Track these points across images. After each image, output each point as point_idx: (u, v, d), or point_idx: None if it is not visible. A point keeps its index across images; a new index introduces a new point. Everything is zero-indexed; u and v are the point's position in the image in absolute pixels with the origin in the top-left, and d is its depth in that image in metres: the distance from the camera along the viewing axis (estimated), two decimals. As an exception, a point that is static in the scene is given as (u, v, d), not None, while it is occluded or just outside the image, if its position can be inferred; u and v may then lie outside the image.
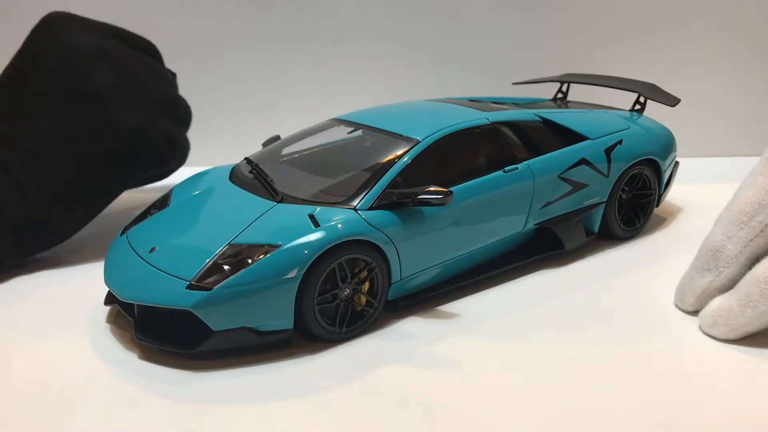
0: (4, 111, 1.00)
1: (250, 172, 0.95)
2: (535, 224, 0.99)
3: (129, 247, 0.85)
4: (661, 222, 1.17)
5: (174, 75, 1.17)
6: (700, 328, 0.84)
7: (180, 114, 1.12)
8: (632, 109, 1.19)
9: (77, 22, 1.04)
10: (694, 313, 0.87)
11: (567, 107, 1.18)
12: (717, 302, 0.82)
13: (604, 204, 1.05)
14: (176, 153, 1.10)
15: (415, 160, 0.89)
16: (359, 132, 1.01)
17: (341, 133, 1.03)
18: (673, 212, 1.21)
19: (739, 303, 0.79)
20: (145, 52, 1.10)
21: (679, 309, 0.89)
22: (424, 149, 0.90)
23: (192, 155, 1.19)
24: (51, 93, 1.00)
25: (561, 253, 1.01)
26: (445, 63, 1.52)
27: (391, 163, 0.88)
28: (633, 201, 1.10)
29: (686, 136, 1.26)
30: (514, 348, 0.81)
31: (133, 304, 0.79)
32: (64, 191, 1.00)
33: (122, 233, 0.91)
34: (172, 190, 0.98)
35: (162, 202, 0.94)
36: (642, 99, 1.19)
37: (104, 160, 1.01)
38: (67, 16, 1.04)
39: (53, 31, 1.02)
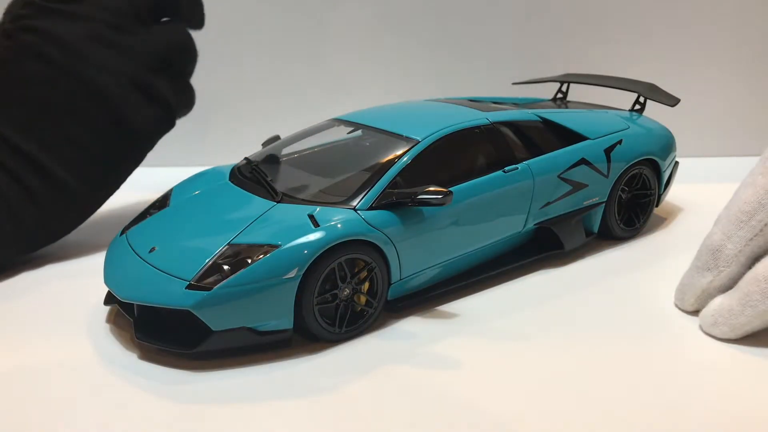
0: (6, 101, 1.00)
1: (250, 172, 0.95)
2: (535, 224, 0.99)
3: (129, 247, 0.85)
4: (661, 222, 1.17)
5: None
6: (701, 328, 0.84)
7: (173, 65, 1.09)
8: (632, 109, 1.19)
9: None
10: (695, 312, 0.87)
11: (567, 107, 1.18)
12: (717, 302, 0.82)
13: (603, 204, 1.05)
14: (173, 108, 1.09)
15: (415, 160, 0.89)
16: (359, 132, 1.01)
17: (341, 133, 1.03)
18: (673, 212, 1.21)
19: (739, 302, 0.79)
20: None
21: (680, 309, 0.89)
22: (424, 149, 0.90)
23: (192, 155, 1.19)
24: (29, 73, 1.00)
25: (561, 253, 1.01)
26: (445, 63, 1.52)
27: (391, 163, 0.88)
28: (633, 201, 1.10)
29: (686, 136, 1.26)
30: (514, 348, 0.81)
31: (133, 304, 0.79)
32: (80, 166, 1.01)
33: (122, 233, 0.91)
34: (171, 190, 0.98)
35: (162, 202, 0.94)
36: (642, 99, 1.19)
37: (103, 128, 1.02)
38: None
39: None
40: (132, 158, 1.08)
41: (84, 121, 1.01)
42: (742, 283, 0.80)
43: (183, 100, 1.12)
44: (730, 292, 0.81)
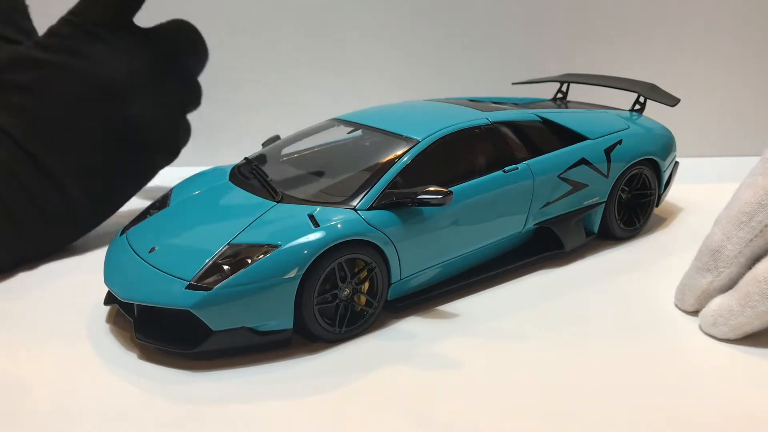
0: (41, 115, 1.03)
1: (250, 172, 0.95)
2: (535, 224, 0.99)
3: (129, 247, 0.85)
4: (661, 222, 1.17)
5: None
6: (701, 328, 0.84)
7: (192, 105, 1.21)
8: (632, 109, 1.19)
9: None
10: (694, 313, 0.87)
11: (567, 107, 1.18)
12: (717, 302, 0.82)
13: (603, 204, 1.05)
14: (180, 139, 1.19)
15: (415, 160, 0.89)
16: (359, 132, 1.01)
17: (341, 133, 1.03)
18: (673, 212, 1.21)
19: (739, 303, 0.79)
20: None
21: (679, 309, 0.89)
22: (424, 149, 0.90)
23: (192, 155, 1.19)
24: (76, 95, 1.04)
25: (561, 253, 1.01)
26: (446, 63, 1.52)
27: (391, 163, 0.88)
28: (633, 201, 1.10)
29: (686, 136, 1.26)
30: (514, 348, 0.81)
31: (133, 304, 0.79)
32: (95, 181, 1.06)
33: (122, 233, 0.90)
34: (171, 190, 0.98)
35: (162, 202, 0.94)
36: (642, 99, 1.19)
37: (123, 150, 1.08)
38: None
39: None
40: (135, 184, 1.13)
41: (107, 147, 1.06)
42: (742, 284, 0.80)
43: (185, 137, 1.22)
44: (729, 292, 0.81)
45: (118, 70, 1.06)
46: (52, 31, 1.06)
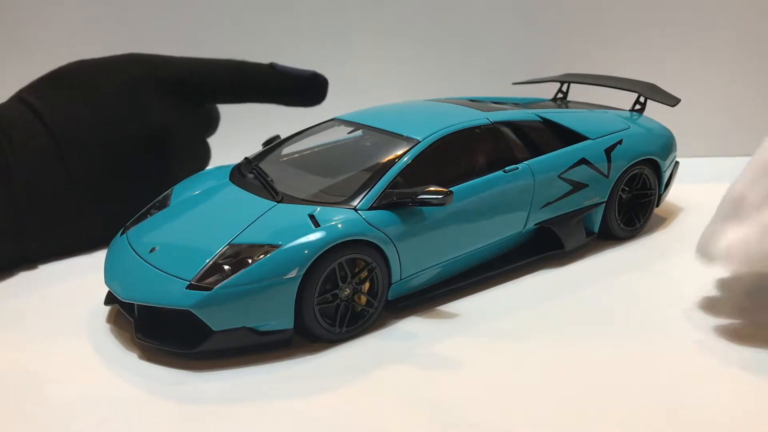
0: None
1: (250, 172, 0.95)
2: (535, 224, 0.99)
3: (129, 247, 0.85)
4: (661, 222, 1.17)
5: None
6: (706, 255, 0.81)
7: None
8: (632, 109, 1.19)
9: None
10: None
11: (567, 107, 1.18)
12: (732, 235, 0.79)
13: (604, 204, 1.05)
14: None
15: (415, 160, 0.89)
16: (359, 132, 1.01)
17: (341, 133, 1.03)
18: (673, 212, 1.21)
19: (757, 233, 0.77)
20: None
21: (701, 260, 0.84)
22: (424, 149, 0.90)
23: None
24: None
25: (561, 253, 1.01)
26: (446, 63, 1.52)
27: (391, 163, 0.88)
28: (633, 201, 1.10)
29: (686, 136, 1.26)
30: (514, 348, 0.81)
31: (133, 304, 0.79)
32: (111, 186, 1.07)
33: (122, 233, 0.90)
34: (172, 190, 0.98)
35: (162, 202, 0.94)
36: (642, 99, 1.19)
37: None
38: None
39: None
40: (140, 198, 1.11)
41: (131, 159, 1.08)
42: (760, 217, 0.78)
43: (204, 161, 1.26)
44: (747, 224, 0.79)
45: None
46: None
